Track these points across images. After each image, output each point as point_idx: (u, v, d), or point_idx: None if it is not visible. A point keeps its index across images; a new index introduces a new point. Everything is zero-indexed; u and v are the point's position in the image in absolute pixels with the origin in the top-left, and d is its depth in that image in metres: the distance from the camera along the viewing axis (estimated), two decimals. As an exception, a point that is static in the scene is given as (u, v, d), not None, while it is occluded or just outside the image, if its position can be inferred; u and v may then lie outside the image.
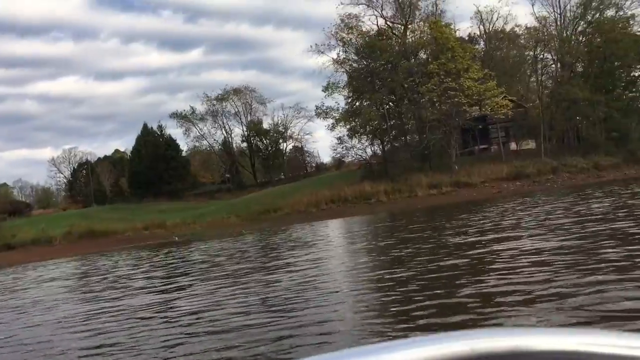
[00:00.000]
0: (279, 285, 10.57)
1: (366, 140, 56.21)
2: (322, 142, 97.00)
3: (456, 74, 48.23)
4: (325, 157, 71.85)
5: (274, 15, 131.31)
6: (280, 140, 75.19)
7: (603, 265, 7.29)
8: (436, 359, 0.43)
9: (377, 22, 56.25)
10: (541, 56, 58.71)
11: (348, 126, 54.07)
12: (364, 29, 54.92)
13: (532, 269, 7.86)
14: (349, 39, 54.01)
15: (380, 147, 56.65)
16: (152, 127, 70.24)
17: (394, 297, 7.64)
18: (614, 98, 55.57)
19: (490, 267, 8.87)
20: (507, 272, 7.97)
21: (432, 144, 50.88)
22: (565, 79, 55.64)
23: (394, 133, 56.83)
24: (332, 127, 54.40)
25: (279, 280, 11.21)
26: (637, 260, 7.18)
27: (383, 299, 7.80)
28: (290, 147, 78.09)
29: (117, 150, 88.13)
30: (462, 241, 12.87)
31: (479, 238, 13.07)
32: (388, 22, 56.48)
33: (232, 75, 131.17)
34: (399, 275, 9.38)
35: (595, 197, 23.19)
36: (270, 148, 74.72)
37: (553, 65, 60.17)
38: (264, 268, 14.01)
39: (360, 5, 54.72)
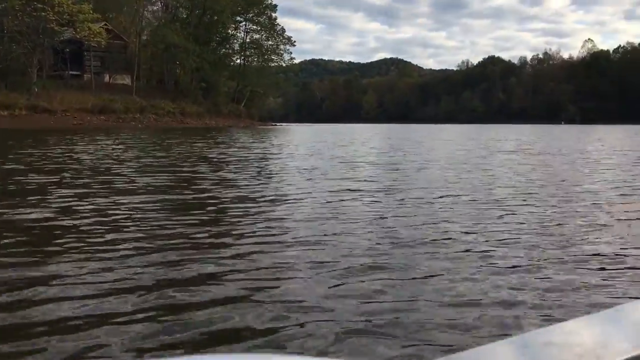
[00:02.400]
0: None
1: None
2: None
3: (47, -15, 42.97)
4: None
5: None
6: None
7: None
8: None
9: None
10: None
11: None
12: None
13: None
14: None
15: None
16: None
17: None
18: (209, 51, 59.12)
19: None
20: None
21: (9, 58, 44.72)
22: (167, 22, 56.26)
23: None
24: None
25: None
26: None
27: None
28: None
29: None
30: None
31: None
32: None
33: None
34: None
35: (144, 145, 23.36)
36: None
37: (159, 4, 60.24)
38: None
39: None
